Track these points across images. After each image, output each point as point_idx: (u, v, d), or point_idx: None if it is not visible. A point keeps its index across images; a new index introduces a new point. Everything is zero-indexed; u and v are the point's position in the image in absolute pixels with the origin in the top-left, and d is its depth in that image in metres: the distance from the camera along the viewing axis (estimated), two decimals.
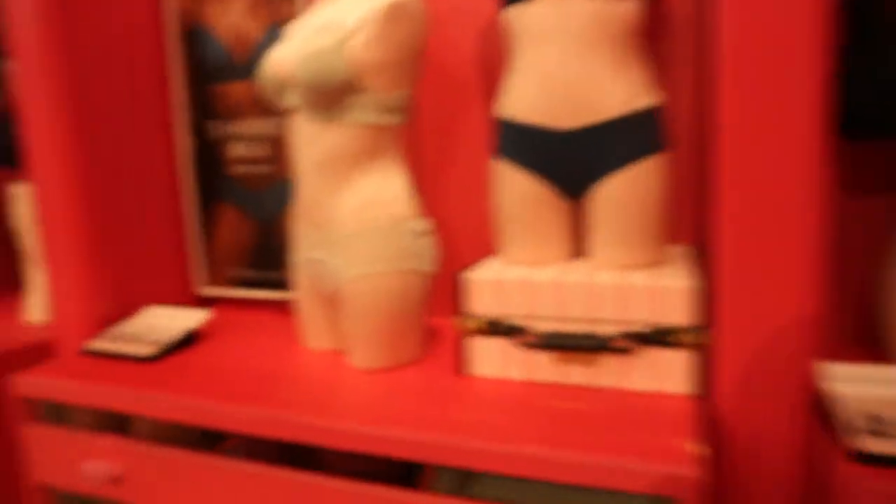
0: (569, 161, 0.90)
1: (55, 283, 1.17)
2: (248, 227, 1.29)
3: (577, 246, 0.97)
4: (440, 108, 1.16)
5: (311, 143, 0.94)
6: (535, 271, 0.89)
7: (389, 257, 0.92)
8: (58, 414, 1.06)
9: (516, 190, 0.93)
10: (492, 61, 1.12)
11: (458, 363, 0.95)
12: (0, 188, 1.66)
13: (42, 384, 1.01)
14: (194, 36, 1.28)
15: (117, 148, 1.22)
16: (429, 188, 1.17)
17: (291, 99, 0.96)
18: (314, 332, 1.06)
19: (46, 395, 1.01)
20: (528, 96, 0.89)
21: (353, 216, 0.93)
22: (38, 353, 1.21)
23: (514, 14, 0.90)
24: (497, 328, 0.88)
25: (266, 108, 1.23)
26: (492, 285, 0.87)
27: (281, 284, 1.27)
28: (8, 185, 1.39)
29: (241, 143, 1.27)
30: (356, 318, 0.93)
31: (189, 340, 1.12)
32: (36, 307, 1.33)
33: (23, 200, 1.32)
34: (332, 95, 0.90)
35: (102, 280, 1.19)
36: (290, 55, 0.94)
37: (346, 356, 1.01)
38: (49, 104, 1.12)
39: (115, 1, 1.21)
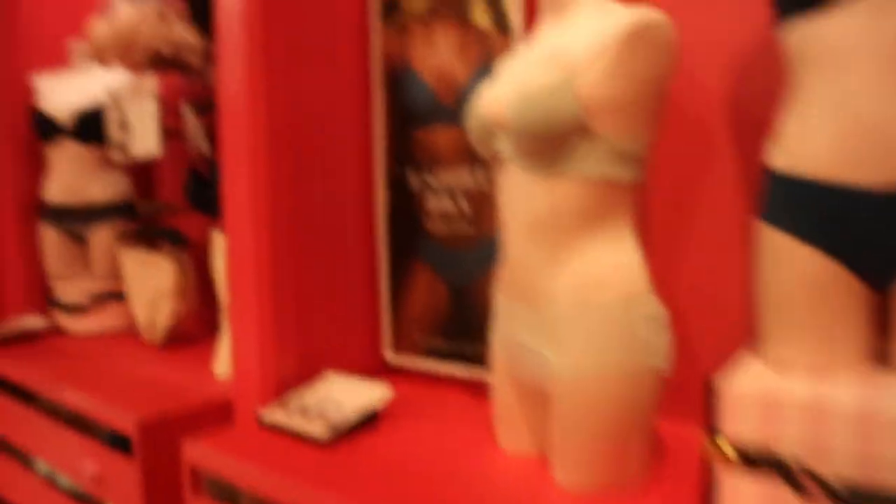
0: (881, 233, 0.64)
1: (238, 339, 1.10)
2: (442, 290, 1.14)
3: (881, 349, 0.70)
4: (674, 159, 0.94)
5: (525, 199, 0.76)
6: (825, 386, 0.63)
7: (615, 349, 0.71)
8: (223, 489, 0.97)
9: (796, 269, 0.68)
10: (746, 97, 0.88)
11: (704, 502, 0.71)
12: (206, 236, 1.68)
13: (209, 456, 0.92)
14: (398, 77, 1.18)
15: (312, 198, 1.14)
16: (658, 260, 0.94)
17: (503, 146, 0.79)
18: (511, 431, 0.87)
19: (212, 468, 0.91)
20: (823, 143, 0.65)
21: (572, 293, 0.73)
22: (217, 411, 1.14)
23: (800, 32, 0.67)
24: (763, 462, 0.63)
25: (472, 157, 1.08)
26: (759, 400, 0.63)
27: (475, 360, 1.10)
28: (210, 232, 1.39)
29: (442, 195, 1.13)
30: (567, 424, 0.73)
31: (369, 420, 0.98)
32: (224, 360, 1.28)
33: (221, 249, 1.29)
34: (553, 142, 0.71)
35: (286, 339, 1.10)
36: (504, 93, 0.78)
37: (550, 467, 0.80)
38: (248, 153, 1.06)
39: (320, 43, 1.15)
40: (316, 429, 0.94)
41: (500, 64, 0.90)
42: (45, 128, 1.78)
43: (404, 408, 1.07)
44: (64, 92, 1.80)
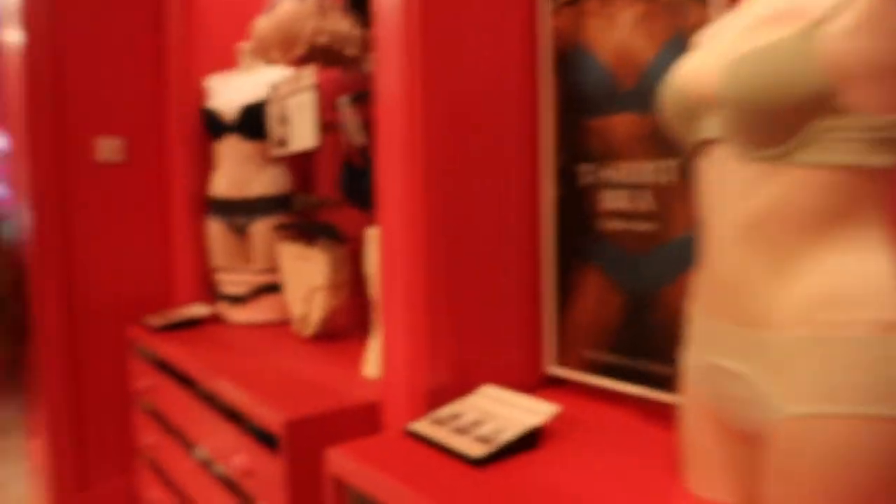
0: None
1: (388, 342, 1.03)
2: (616, 299, 1.00)
3: None
4: None
5: (740, 194, 0.61)
6: None
7: (865, 392, 0.54)
8: (367, 501, 0.89)
9: None
10: None
11: None
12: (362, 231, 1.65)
13: (354, 466, 0.85)
14: (571, 59, 1.06)
15: (472, 193, 1.04)
16: None
17: (710, 128, 0.65)
18: (704, 474, 0.71)
19: (356, 481, 0.84)
20: None
21: (805, 313, 0.57)
22: (365, 413, 1.08)
23: None
24: None
25: (658, 147, 0.94)
26: None
27: (653, 380, 0.95)
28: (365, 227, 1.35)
29: (620, 191, 0.99)
30: (795, 481, 0.57)
31: (529, 439, 0.87)
32: (374, 361, 1.22)
33: (374, 245, 1.23)
34: (783, 118, 0.56)
35: (439, 345, 1.01)
36: (713, 62, 0.64)
37: None
38: (404, 145, 0.99)
39: (483, 25, 1.05)
40: (470, 446, 0.84)
41: (701, 35, 0.76)
42: (214, 125, 1.84)
43: (570, 428, 0.94)
44: (230, 90, 1.85)
